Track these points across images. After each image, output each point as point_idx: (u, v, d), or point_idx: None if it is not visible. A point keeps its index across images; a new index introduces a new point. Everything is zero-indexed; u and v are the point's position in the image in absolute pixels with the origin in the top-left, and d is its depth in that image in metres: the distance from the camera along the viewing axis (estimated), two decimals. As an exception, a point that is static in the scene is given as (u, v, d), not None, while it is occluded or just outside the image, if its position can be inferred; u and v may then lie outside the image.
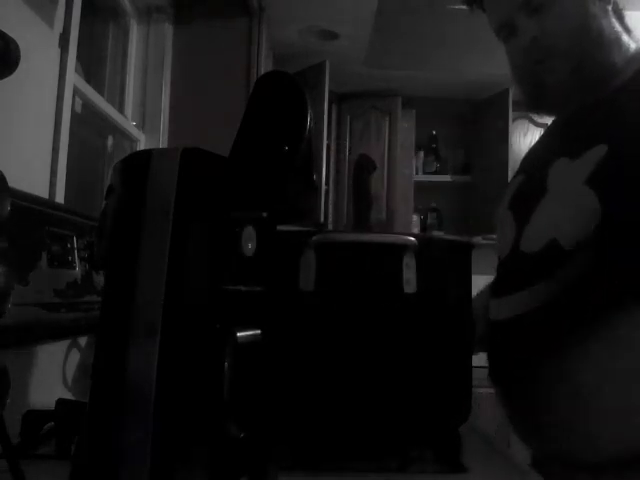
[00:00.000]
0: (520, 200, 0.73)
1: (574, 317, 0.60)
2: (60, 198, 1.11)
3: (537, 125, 3.18)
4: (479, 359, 0.80)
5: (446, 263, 0.69)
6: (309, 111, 0.50)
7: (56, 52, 1.10)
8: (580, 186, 0.60)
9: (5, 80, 0.48)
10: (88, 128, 1.62)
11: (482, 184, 3.19)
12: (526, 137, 3.21)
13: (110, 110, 1.66)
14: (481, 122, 3.43)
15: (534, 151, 0.83)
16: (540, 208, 0.65)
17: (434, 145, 3.49)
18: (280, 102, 0.48)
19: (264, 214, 0.45)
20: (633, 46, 0.70)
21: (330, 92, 2.96)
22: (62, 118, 1.11)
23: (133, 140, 1.86)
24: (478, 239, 2.41)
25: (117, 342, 0.41)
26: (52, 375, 0.92)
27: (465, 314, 0.69)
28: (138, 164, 0.44)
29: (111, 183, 0.46)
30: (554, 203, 0.64)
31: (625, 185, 0.58)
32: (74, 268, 0.89)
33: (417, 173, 3.43)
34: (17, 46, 0.48)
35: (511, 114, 3.18)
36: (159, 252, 0.41)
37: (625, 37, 0.69)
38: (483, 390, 0.79)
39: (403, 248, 0.65)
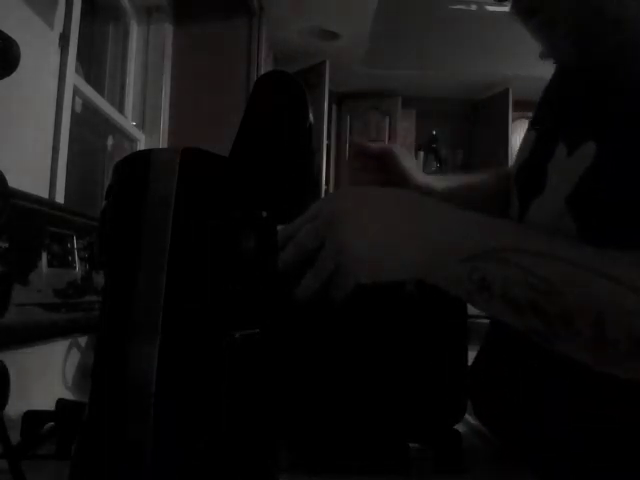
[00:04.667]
0: (524, 177, 0.66)
1: None
2: (60, 198, 1.11)
3: (537, 125, 3.17)
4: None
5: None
6: (309, 111, 0.50)
7: (56, 52, 1.10)
8: (562, 205, 0.54)
9: (5, 80, 0.48)
10: (88, 128, 1.62)
11: (482, 184, 3.19)
12: (526, 137, 3.21)
13: (110, 110, 1.66)
14: (481, 122, 3.44)
15: (549, 100, 0.69)
16: (536, 204, 0.60)
17: (434, 145, 3.50)
18: (280, 102, 0.48)
19: (264, 214, 0.45)
20: None
21: (330, 92, 2.96)
22: (62, 118, 1.11)
23: (133, 140, 1.86)
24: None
25: (117, 342, 0.41)
26: (52, 375, 0.92)
27: (463, 313, 0.69)
28: (138, 164, 0.44)
29: (111, 183, 0.46)
30: (544, 210, 0.58)
31: (600, 212, 0.50)
32: (74, 268, 0.89)
33: (417, 173, 3.43)
34: (17, 46, 0.48)
35: (511, 114, 3.18)
36: (159, 252, 0.41)
37: None
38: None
39: (403, 248, 0.65)
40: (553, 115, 0.64)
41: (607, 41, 0.56)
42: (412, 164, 0.80)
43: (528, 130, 0.70)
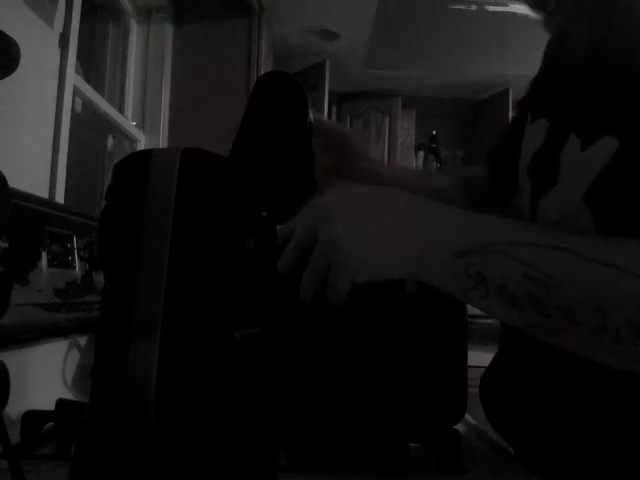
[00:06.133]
0: (537, 168, 0.64)
1: None
2: (60, 198, 1.11)
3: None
4: (479, 359, 0.80)
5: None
6: (309, 111, 0.50)
7: (56, 52, 1.10)
8: (579, 201, 0.53)
9: (5, 80, 0.48)
10: (88, 128, 1.62)
11: (482, 184, 3.18)
12: (526, 137, 3.21)
13: (110, 110, 1.66)
14: (481, 122, 3.44)
15: (557, 85, 0.67)
16: (548, 196, 0.59)
17: (434, 145, 3.49)
18: (280, 102, 0.48)
19: (264, 214, 0.45)
20: None
21: (330, 92, 2.96)
22: (62, 118, 1.11)
23: (133, 140, 1.86)
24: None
25: (117, 342, 0.41)
26: (52, 375, 0.92)
27: (462, 313, 0.70)
28: (138, 164, 0.44)
29: (111, 183, 0.46)
30: (557, 204, 0.58)
31: (621, 208, 0.49)
32: (74, 268, 0.89)
33: (417, 173, 3.43)
34: (17, 46, 0.48)
35: (511, 114, 3.18)
36: (159, 252, 0.41)
37: None
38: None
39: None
40: (564, 105, 0.63)
41: (622, 33, 0.55)
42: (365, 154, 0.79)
43: (533, 118, 0.68)
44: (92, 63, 1.66)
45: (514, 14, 2.56)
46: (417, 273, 0.46)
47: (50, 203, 0.97)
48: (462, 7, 2.49)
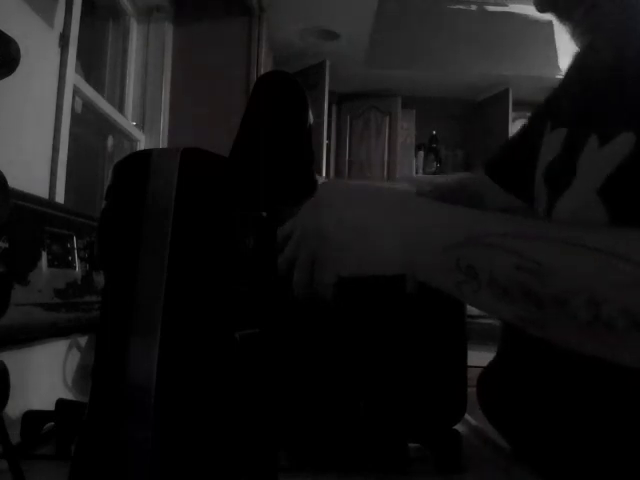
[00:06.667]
0: (554, 174, 0.64)
1: None
2: (60, 198, 1.11)
3: (537, 125, 3.17)
4: (479, 359, 0.80)
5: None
6: (309, 111, 0.50)
7: (56, 52, 1.10)
8: (594, 196, 0.52)
9: (5, 80, 0.48)
10: (88, 128, 1.62)
11: (482, 184, 3.17)
12: (526, 137, 3.21)
13: (110, 110, 1.66)
14: (481, 122, 3.44)
15: (571, 96, 0.68)
16: (566, 195, 0.58)
17: (434, 145, 3.49)
18: (280, 102, 0.48)
19: (264, 214, 0.45)
20: None
21: (330, 92, 2.96)
22: (62, 118, 1.11)
23: (133, 140, 1.86)
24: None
25: (117, 342, 0.41)
26: (52, 375, 0.92)
27: (462, 313, 0.70)
28: (138, 164, 0.44)
29: (111, 183, 0.46)
30: (571, 202, 0.57)
31: (636, 203, 0.49)
32: (74, 268, 0.89)
33: (417, 173, 3.43)
34: (17, 46, 0.48)
35: (511, 114, 3.18)
36: (159, 252, 0.41)
37: None
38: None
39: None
40: (585, 112, 0.63)
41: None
42: None
43: (552, 128, 0.68)
44: (92, 63, 1.66)
45: (514, 14, 2.56)
46: (406, 269, 0.46)
47: (50, 203, 0.97)
48: (462, 7, 2.49)
